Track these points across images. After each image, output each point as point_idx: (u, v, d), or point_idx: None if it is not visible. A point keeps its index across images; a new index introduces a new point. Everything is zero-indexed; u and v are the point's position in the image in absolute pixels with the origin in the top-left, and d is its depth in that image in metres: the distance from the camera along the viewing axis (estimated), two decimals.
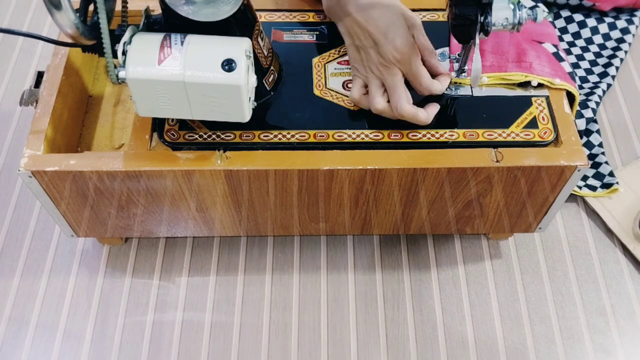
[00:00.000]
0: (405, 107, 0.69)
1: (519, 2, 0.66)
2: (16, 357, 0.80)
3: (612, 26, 1.06)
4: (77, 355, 0.80)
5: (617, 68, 1.02)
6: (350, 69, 0.76)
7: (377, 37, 0.69)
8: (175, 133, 0.71)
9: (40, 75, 0.75)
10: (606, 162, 0.93)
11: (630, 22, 1.06)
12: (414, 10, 0.83)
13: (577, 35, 1.06)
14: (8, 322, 0.82)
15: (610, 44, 1.05)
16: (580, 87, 0.99)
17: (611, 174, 0.91)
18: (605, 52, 1.04)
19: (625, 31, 1.05)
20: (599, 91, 0.98)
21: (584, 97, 0.96)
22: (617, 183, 0.90)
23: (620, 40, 1.05)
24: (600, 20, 1.06)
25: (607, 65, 1.02)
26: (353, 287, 0.85)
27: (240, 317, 0.83)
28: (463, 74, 0.74)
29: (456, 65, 0.74)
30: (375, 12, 0.70)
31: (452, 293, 0.85)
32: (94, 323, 0.82)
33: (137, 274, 0.86)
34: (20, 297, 0.84)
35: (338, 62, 0.77)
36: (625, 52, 1.04)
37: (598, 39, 1.05)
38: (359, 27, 0.71)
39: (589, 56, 1.04)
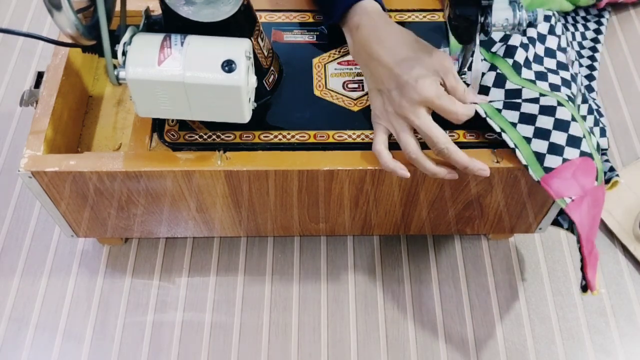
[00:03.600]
0: (456, 151, 0.65)
1: (519, 3, 0.65)
2: (16, 357, 0.80)
3: (585, 28, 1.08)
4: (77, 355, 0.80)
5: (597, 71, 1.03)
6: (350, 69, 0.76)
7: (401, 80, 0.65)
8: (175, 133, 0.71)
9: (40, 75, 0.75)
10: (607, 161, 0.92)
11: (599, 23, 1.08)
12: (413, 10, 0.83)
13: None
14: (8, 322, 0.82)
15: (588, 44, 1.06)
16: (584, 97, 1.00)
17: (611, 169, 0.91)
18: (585, 53, 1.05)
19: (598, 32, 1.07)
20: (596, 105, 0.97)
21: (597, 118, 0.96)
22: (617, 176, 0.89)
23: (596, 40, 1.06)
24: (575, 27, 1.07)
25: (591, 67, 1.03)
26: (353, 287, 0.85)
27: (240, 317, 0.83)
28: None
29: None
30: (400, 51, 0.66)
31: (452, 293, 0.85)
32: (94, 323, 0.82)
33: (137, 274, 0.86)
34: (20, 298, 0.84)
35: (338, 63, 0.77)
36: (600, 52, 1.05)
37: (575, 45, 1.07)
38: (382, 67, 0.67)
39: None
